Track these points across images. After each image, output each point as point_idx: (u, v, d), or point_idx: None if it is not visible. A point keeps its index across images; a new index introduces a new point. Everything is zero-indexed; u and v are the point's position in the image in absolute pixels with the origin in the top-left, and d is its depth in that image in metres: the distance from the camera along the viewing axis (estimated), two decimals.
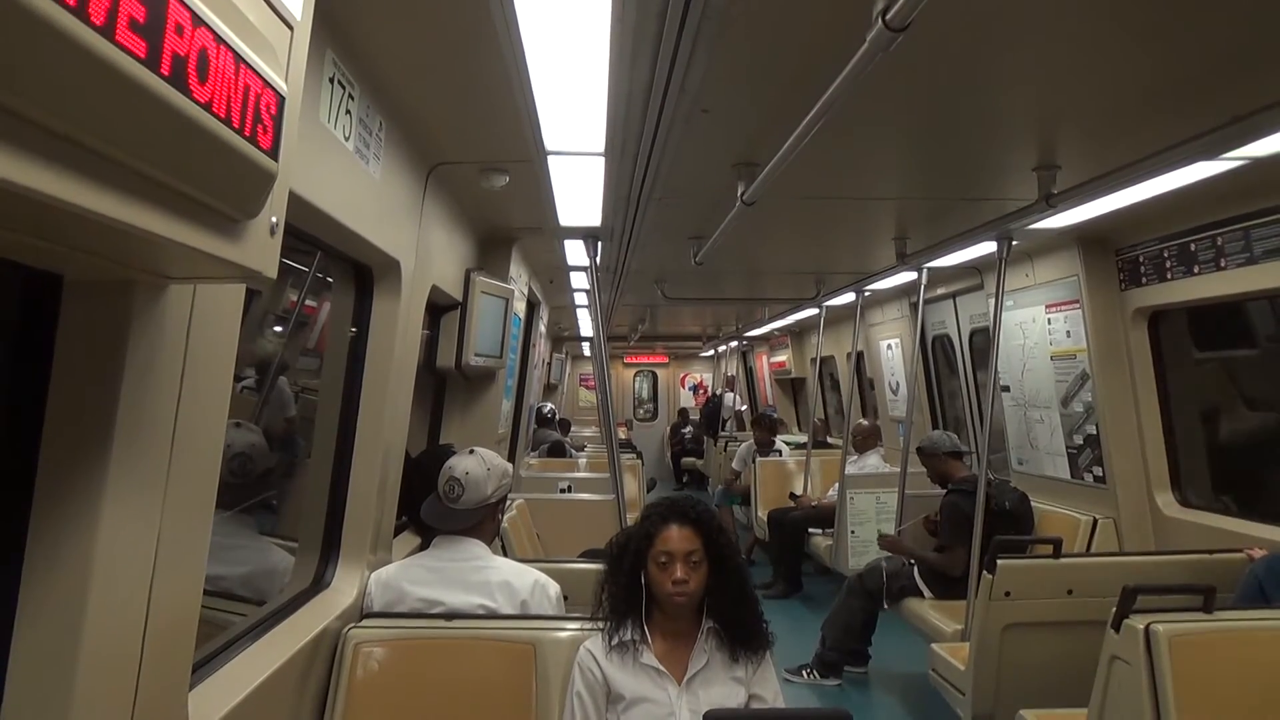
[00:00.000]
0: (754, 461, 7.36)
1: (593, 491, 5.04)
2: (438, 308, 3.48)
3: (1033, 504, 4.39)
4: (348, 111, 1.90)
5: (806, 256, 5.39)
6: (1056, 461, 4.45)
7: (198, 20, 0.73)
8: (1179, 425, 3.95)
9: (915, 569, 4.38)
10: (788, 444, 8.13)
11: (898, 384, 6.93)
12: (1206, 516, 3.73)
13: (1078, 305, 4.10)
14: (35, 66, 0.59)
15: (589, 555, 3.34)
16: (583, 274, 5.21)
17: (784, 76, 2.17)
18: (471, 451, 2.58)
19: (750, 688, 2.03)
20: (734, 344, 11.72)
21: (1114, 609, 2.37)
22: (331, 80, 1.78)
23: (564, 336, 11.21)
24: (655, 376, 16.53)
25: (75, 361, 1.11)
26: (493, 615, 2.34)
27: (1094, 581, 3.14)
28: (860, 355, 7.40)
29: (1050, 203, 3.00)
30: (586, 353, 13.76)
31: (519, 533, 3.93)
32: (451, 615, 2.30)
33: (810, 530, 6.29)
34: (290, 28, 0.97)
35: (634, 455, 6.43)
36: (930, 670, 3.63)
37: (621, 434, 10.48)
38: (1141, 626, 2.27)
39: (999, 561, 3.15)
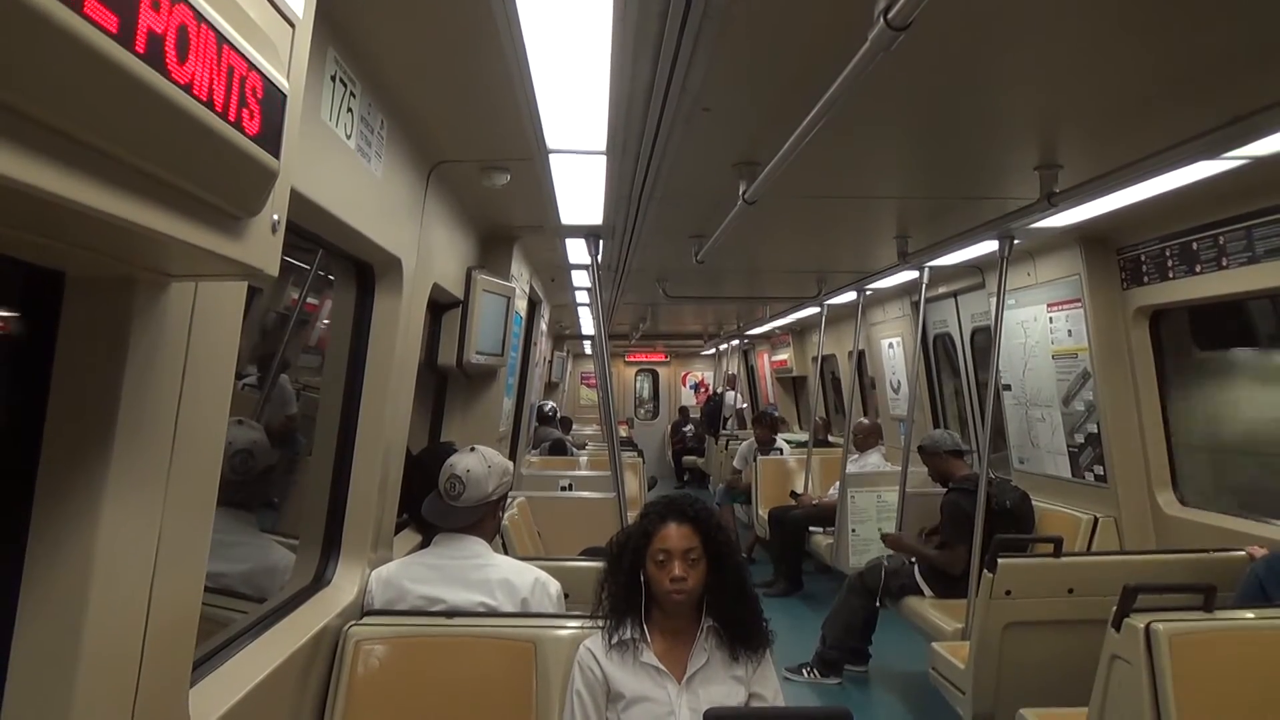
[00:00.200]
0: (755, 460, 7.36)
1: (594, 490, 5.04)
2: (439, 306, 3.48)
3: (1034, 503, 4.39)
4: (349, 109, 1.90)
5: (808, 255, 5.39)
6: (1057, 460, 4.45)
7: (200, 18, 0.73)
8: (1178, 424, 3.95)
9: (916, 568, 4.38)
10: (789, 442, 8.13)
11: (899, 383, 6.93)
12: (1207, 515, 3.73)
13: (1079, 304, 4.09)
14: (37, 63, 0.59)
15: (590, 553, 3.34)
16: (584, 272, 5.21)
17: (785, 75, 2.17)
18: (473, 449, 2.58)
19: (750, 686, 2.03)
20: (735, 342, 11.72)
21: (1114, 608, 2.37)
22: (333, 78, 1.78)
23: (565, 335, 11.21)
24: (656, 375, 16.53)
25: (77, 359, 1.11)
26: (493, 613, 2.35)
27: (1095, 580, 3.14)
28: (861, 354, 7.40)
29: (1052, 202, 3.00)
30: (588, 351, 13.77)
31: (520, 531, 3.93)
32: (452, 613, 2.30)
33: (811, 529, 6.29)
34: (292, 25, 0.97)
35: (635, 453, 6.44)
36: (930, 669, 3.63)
37: (623, 432, 10.48)
38: (1142, 625, 2.27)
39: (1000, 560, 3.15)
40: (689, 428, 13.35)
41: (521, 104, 2.20)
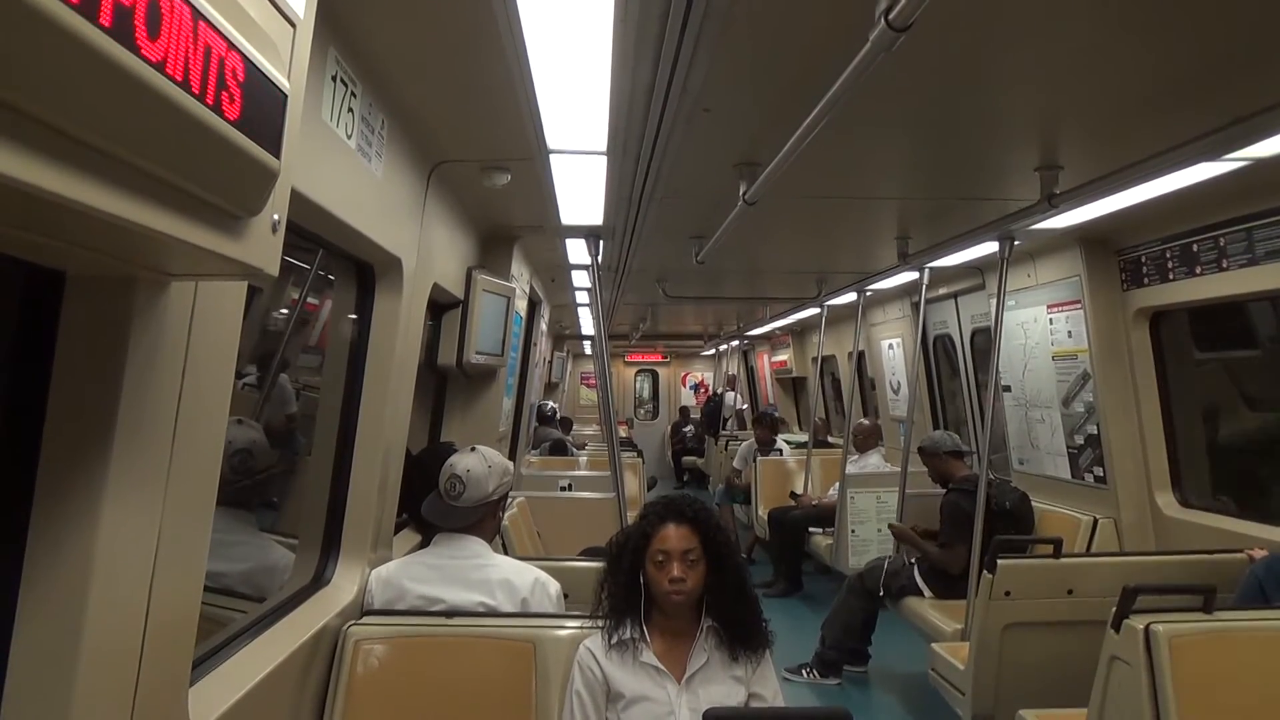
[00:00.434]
0: (755, 460, 7.36)
1: (593, 490, 5.04)
2: (439, 306, 3.48)
3: (1033, 504, 4.39)
4: (350, 109, 1.90)
5: (808, 256, 5.39)
6: (1057, 461, 4.45)
7: (200, 18, 0.73)
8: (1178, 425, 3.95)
9: (915, 568, 4.39)
10: (788, 443, 8.13)
11: (899, 383, 6.93)
12: (1207, 517, 3.73)
13: (1079, 305, 4.09)
14: (37, 62, 0.59)
15: (589, 554, 3.34)
16: (584, 272, 5.21)
17: (786, 76, 2.17)
18: (473, 449, 2.58)
19: (750, 686, 2.03)
20: (735, 343, 11.72)
21: (1114, 609, 2.37)
22: (334, 78, 1.78)
23: (565, 335, 11.21)
24: (656, 375, 16.53)
25: (77, 358, 1.11)
26: (493, 613, 2.35)
27: (1094, 581, 3.14)
28: (861, 355, 7.40)
29: (1052, 203, 3.00)
30: (588, 351, 13.78)
31: (519, 531, 3.93)
32: (452, 613, 2.30)
33: (811, 529, 6.29)
34: (293, 25, 0.97)
35: (635, 454, 6.44)
36: (930, 670, 3.63)
37: (622, 432, 10.48)
38: (1141, 627, 2.27)
39: (999, 561, 3.15)
40: (689, 428, 13.34)
41: (522, 104, 2.20)
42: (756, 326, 9.83)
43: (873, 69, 1.70)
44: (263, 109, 0.87)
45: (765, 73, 2.17)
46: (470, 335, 3.55)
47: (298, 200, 1.53)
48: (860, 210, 3.84)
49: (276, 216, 0.99)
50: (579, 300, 7.22)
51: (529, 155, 2.67)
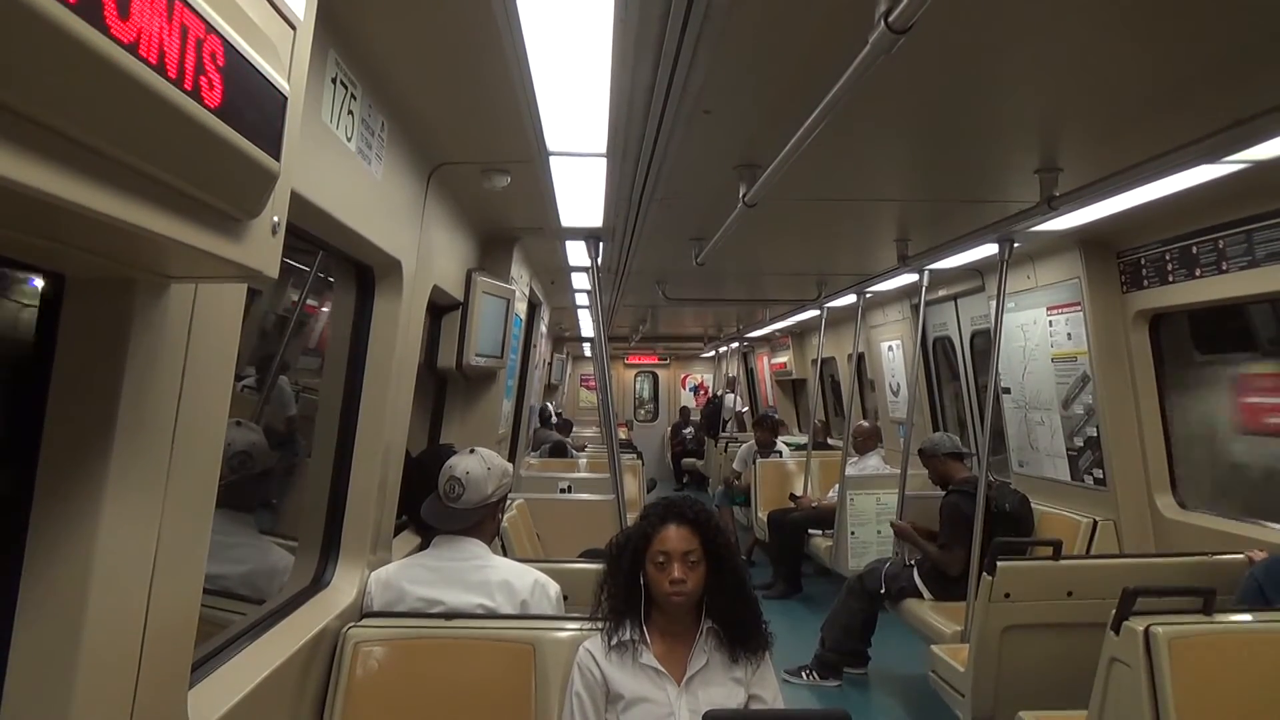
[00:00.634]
0: (754, 462, 7.36)
1: (593, 492, 5.04)
2: (439, 308, 3.48)
3: (1033, 506, 4.39)
4: (350, 111, 1.90)
5: (808, 258, 5.39)
6: (1057, 463, 4.45)
7: (200, 19, 0.73)
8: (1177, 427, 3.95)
9: (915, 570, 4.39)
10: (788, 445, 8.13)
11: (898, 385, 6.93)
12: (1206, 519, 3.73)
13: (1079, 307, 4.10)
14: (37, 65, 0.59)
15: (589, 555, 3.34)
16: (584, 274, 5.22)
17: (786, 78, 2.17)
18: (472, 451, 2.58)
19: (750, 688, 2.03)
20: (735, 345, 11.72)
21: (1114, 611, 2.37)
22: (334, 80, 1.78)
23: (565, 337, 11.21)
24: (656, 377, 16.53)
25: (76, 360, 1.11)
26: (492, 615, 2.34)
27: (1094, 583, 3.14)
28: (861, 357, 7.40)
29: (1052, 205, 3.00)
30: (587, 353, 13.78)
31: (519, 532, 3.93)
32: (451, 615, 2.30)
33: (810, 531, 6.29)
34: (293, 27, 0.97)
35: (634, 456, 6.43)
36: (930, 672, 3.63)
37: (622, 434, 10.48)
38: (1141, 628, 2.27)
39: (999, 563, 3.15)
40: (689, 430, 13.34)
41: (522, 106, 2.21)
42: (756, 328, 9.83)
43: (872, 71, 1.70)
44: (263, 111, 0.87)
45: (765, 74, 2.17)
46: (470, 337, 3.55)
47: (297, 202, 1.53)
48: (860, 212, 3.84)
49: (276, 218, 0.99)
50: (579, 302, 7.22)
51: (529, 157, 2.67)
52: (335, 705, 2.11)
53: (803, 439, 8.24)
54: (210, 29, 0.75)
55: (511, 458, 5.14)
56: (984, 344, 5.45)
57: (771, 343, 11.85)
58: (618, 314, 8.39)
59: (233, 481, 2.25)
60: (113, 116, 0.67)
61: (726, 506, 8.02)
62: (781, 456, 7.60)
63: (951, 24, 1.82)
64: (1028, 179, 3.03)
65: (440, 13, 1.74)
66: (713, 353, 13.55)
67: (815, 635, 4.65)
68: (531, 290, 5.09)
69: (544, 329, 6.71)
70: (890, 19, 1.50)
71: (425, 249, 2.73)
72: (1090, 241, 3.97)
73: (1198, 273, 3.47)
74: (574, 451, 7.94)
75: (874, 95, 2.02)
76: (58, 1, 0.57)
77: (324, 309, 4.32)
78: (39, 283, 1.11)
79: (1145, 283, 3.82)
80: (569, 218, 3.56)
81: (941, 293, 5.74)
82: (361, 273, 2.43)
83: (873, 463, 6.26)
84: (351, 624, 2.23)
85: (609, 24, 1.72)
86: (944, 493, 4.46)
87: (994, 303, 4.09)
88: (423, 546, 2.64)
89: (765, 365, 13.00)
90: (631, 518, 2.49)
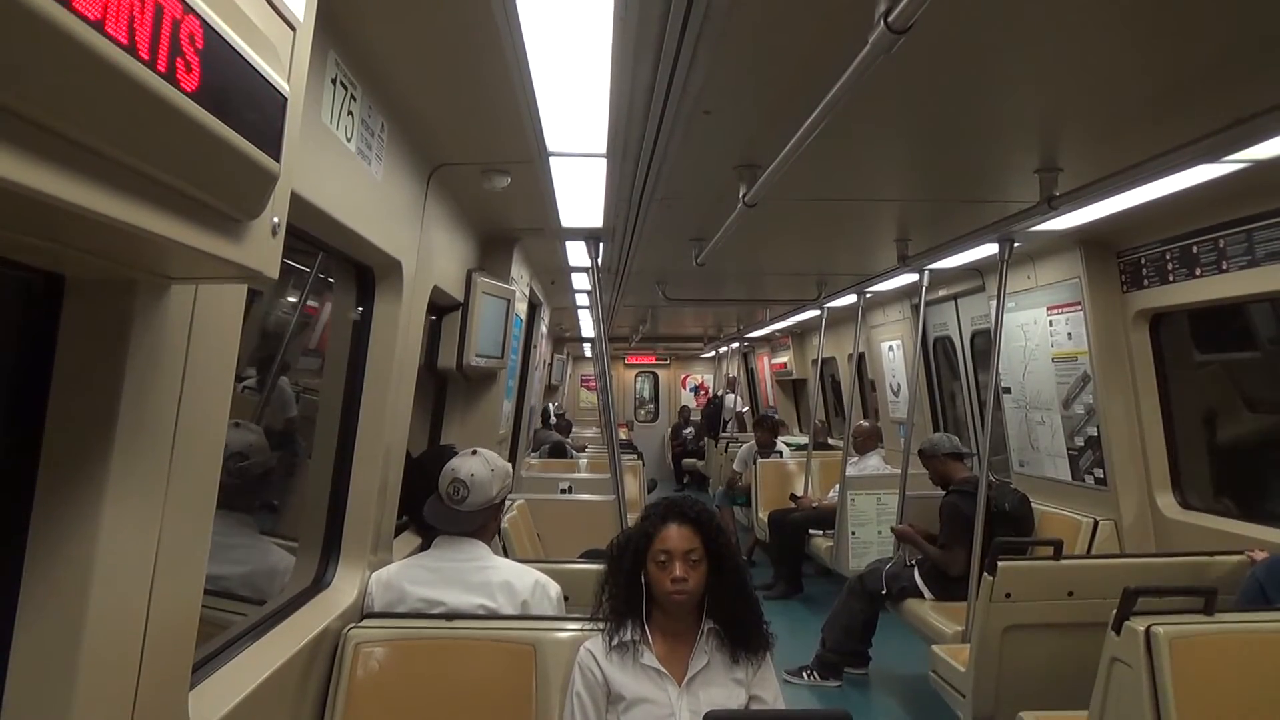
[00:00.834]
0: (755, 462, 7.36)
1: (593, 492, 5.04)
2: (439, 308, 3.48)
3: (1034, 505, 4.39)
4: (350, 112, 1.90)
5: (808, 258, 5.39)
6: (1057, 463, 4.45)
7: (199, 20, 0.73)
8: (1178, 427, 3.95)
9: (916, 570, 4.39)
10: (789, 445, 8.13)
11: (899, 385, 6.93)
12: (1207, 519, 3.73)
13: (1079, 307, 4.09)
14: (37, 66, 0.59)
15: (589, 555, 3.34)
16: (584, 275, 5.22)
17: (785, 78, 2.17)
18: (474, 452, 2.57)
19: (750, 689, 2.03)
20: (735, 345, 11.71)
21: (1115, 611, 2.37)
22: (334, 81, 1.78)
23: (565, 337, 11.21)
24: (656, 377, 16.53)
25: (77, 361, 1.11)
26: (493, 615, 2.34)
27: (1095, 583, 3.14)
28: (861, 357, 7.40)
29: (1052, 205, 3.00)
30: (587, 353, 13.78)
31: (519, 533, 3.93)
32: (452, 615, 2.30)
33: (811, 531, 6.29)
34: (292, 28, 0.97)
35: (635, 456, 6.43)
36: (931, 672, 3.62)
37: (622, 435, 10.48)
38: (1142, 628, 2.27)
39: (1000, 563, 3.14)
40: (689, 430, 13.34)
41: (522, 107, 2.21)
42: (756, 328, 9.83)
43: (872, 71, 1.70)
44: (262, 111, 0.87)
45: (765, 75, 2.17)
46: (470, 338, 3.55)
47: (298, 203, 1.53)
48: (860, 212, 3.84)
49: (276, 219, 0.99)
50: (579, 303, 7.22)
51: (529, 158, 2.67)
52: (336, 706, 2.11)
53: (803, 439, 8.24)
54: (210, 29, 0.75)
55: (512, 458, 5.14)
56: (984, 344, 5.45)
57: (772, 343, 11.85)
58: (618, 314, 8.39)
59: (233, 483, 2.25)
60: (112, 118, 0.67)
61: (727, 507, 8.01)
62: (782, 457, 7.60)
63: (951, 24, 1.82)
64: (1028, 179, 3.03)
65: (440, 13, 1.74)
66: (713, 353, 13.55)
67: (816, 636, 4.64)
68: (532, 291, 5.09)
69: (544, 329, 6.71)
70: (890, 19, 1.50)
71: (425, 249, 2.73)
72: (1090, 241, 3.96)
73: (1198, 272, 3.47)
74: (574, 452, 7.94)
75: (874, 95, 2.02)
76: (57, 4, 0.57)
77: (324, 310, 4.32)
78: (39, 284, 1.11)
79: (1145, 282, 3.81)
80: (569, 218, 3.56)
81: (942, 293, 5.74)
82: (362, 273, 2.43)
83: (873, 463, 6.26)
84: (352, 625, 2.23)
85: (609, 24, 1.72)
86: (944, 493, 4.46)
87: (994, 302, 4.09)
88: (423, 547, 2.64)
89: (765, 365, 13.00)
90: (632, 518, 2.49)
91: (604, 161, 2.72)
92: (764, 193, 2.81)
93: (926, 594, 4.27)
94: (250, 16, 0.84)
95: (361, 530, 2.44)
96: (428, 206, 2.73)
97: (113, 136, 0.69)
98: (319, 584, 2.35)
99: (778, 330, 9.91)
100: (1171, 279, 3.65)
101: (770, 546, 6.61)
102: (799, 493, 6.77)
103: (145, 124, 0.70)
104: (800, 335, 10.53)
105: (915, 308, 5.61)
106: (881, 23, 1.52)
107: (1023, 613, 3.14)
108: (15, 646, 1.09)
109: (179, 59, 0.71)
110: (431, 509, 2.52)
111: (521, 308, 4.50)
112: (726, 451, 8.99)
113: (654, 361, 16.13)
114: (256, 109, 0.85)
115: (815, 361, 7.62)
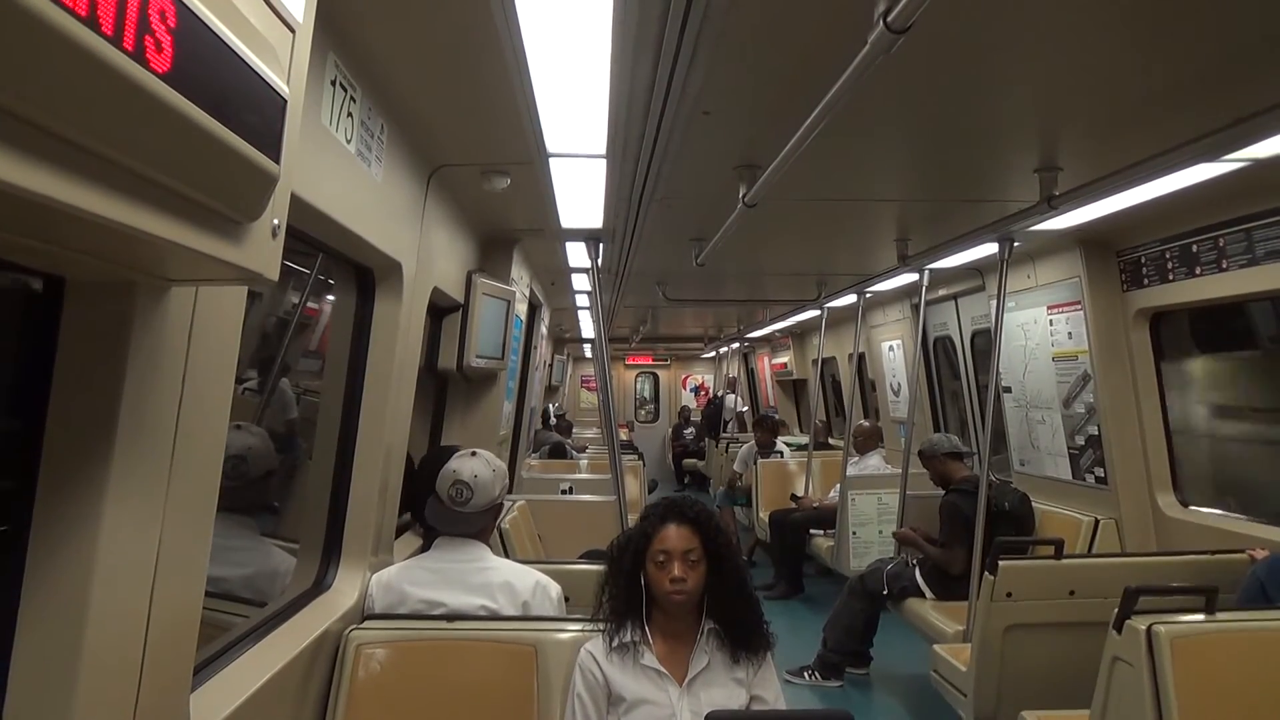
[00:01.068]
0: (755, 462, 7.36)
1: (594, 493, 5.04)
2: (439, 309, 3.48)
3: (1034, 505, 4.39)
4: (349, 114, 1.90)
5: (808, 258, 5.39)
6: (1058, 462, 4.45)
7: (198, 22, 0.73)
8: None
9: (917, 570, 4.39)
10: (789, 445, 8.13)
11: (899, 385, 6.93)
12: (1208, 517, 3.73)
13: (1079, 306, 4.09)
14: (37, 68, 0.59)
15: (590, 556, 3.34)
16: (584, 275, 5.22)
17: (785, 79, 2.17)
18: (473, 453, 2.57)
19: (751, 689, 2.03)
20: (735, 345, 11.71)
21: (1116, 610, 2.37)
22: (333, 83, 1.78)
23: (565, 338, 11.22)
24: (656, 378, 16.54)
25: (77, 363, 1.11)
26: (494, 616, 2.34)
27: (1096, 582, 3.14)
28: (862, 356, 7.40)
29: (1052, 204, 3.00)
30: (588, 354, 13.78)
31: (520, 533, 3.93)
32: (453, 617, 2.30)
33: (811, 531, 6.29)
34: (292, 30, 0.97)
35: (635, 456, 6.43)
36: (932, 671, 3.62)
37: (623, 435, 10.47)
38: (1143, 627, 2.27)
39: (1000, 562, 3.14)
40: (689, 430, 13.34)
41: (521, 108, 2.21)
42: (757, 329, 9.83)
43: (872, 71, 1.70)
44: (262, 113, 0.87)
45: (764, 75, 2.17)
46: (470, 339, 3.55)
47: (297, 205, 1.53)
48: (860, 212, 3.84)
49: (276, 221, 0.99)
50: (579, 303, 7.22)
51: (529, 159, 2.67)
52: (337, 707, 2.11)
53: (803, 439, 8.24)
54: (209, 32, 0.75)
55: (513, 459, 5.14)
56: (984, 343, 5.45)
57: (772, 343, 11.85)
58: (618, 315, 8.39)
59: (233, 485, 2.25)
60: (111, 120, 0.67)
61: (728, 507, 8.01)
62: (782, 457, 7.60)
63: (951, 24, 1.82)
64: (1027, 178, 3.03)
65: (439, 15, 1.74)
66: (713, 353, 13.55)
67: (817, 635, 4.64)
68: (532, 291, 5.09)
69: (544, 330, 6.71)
70: (889, 19, 1.50)
71: (425, 251, 2.73)
72: (1090, 240, 3.96)
73: (1198, 271, 3.47)
74: (574, 452, 7.94)
75: (873, 95, 2.02)
76: (55, 5, 0.57)
77: (324, 311, 4.33)
78: (39, 286, 1.11)
79: (1145, 281, 3.81)
80: (569, 219, 3.57)
81: (942, 292, 5.74)
82: (362, 275, 2.43)
83: (874, 462, 6.26)
84: (353, 626, 2.23)
85: (608, 24, 1.72)
86: (945, 493, 4.46)
87: (994, 302, 4.09)
88: (424, 548, 2.64)
89: (766, 365, 13.00)
90: (632, 519, 2.49)
91: (604, 162, 2.72)
92: (764, 193, 2.81)
93: (927, 594, 4.27)
94: (249, 18, 0.84)
95: (362, 532, 2.44)
96: (427, 208, 2.73)
97: (111, 138, 0.69)
98: (320, 586, 2.35)
99: (778, 330, 9.91)
100: (1171, 278, 3.65)
101: (771, 547, 6.61)
102: (799, 493, 6.77)
103: (144, 126, 0.70)
104: (800, 335, 10.54)
105: (915, 307, 5.61)
106: (881, 22, 1.52)
107: (1024, 612, 3.14)
108: (16, 648, 1.09)
109: (178, 60, 0.71)
110: (433, 511, 2.52)
111: (521, 309, 4.50)
112: (727, 452, 8.99)
113: (654, 362, 16.14)
114: (256, 111, 0.85)
115: (815, 361, 7.62)
